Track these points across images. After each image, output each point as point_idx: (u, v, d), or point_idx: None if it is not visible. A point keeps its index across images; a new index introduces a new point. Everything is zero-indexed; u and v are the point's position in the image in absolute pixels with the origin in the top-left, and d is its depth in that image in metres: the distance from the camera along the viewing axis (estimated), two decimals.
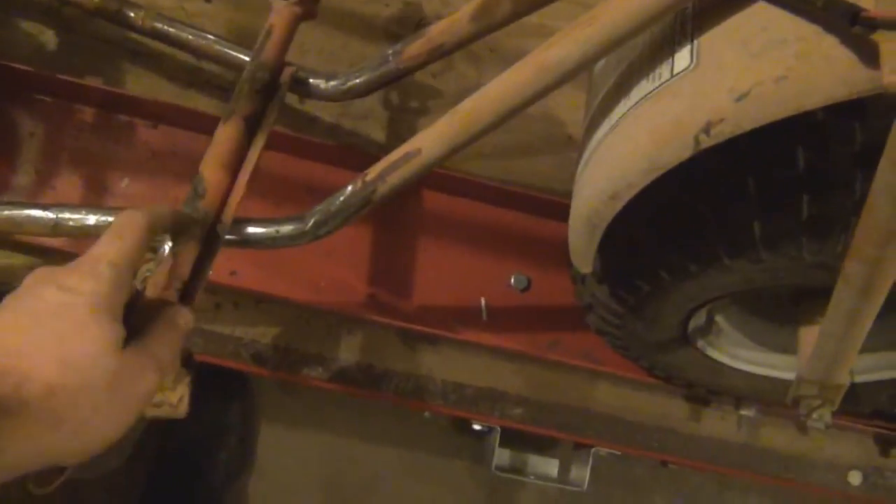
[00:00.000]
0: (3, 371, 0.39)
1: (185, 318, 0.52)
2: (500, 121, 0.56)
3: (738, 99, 0.45)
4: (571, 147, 1.03)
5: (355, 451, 1.40)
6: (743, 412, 0.94)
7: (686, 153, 0.49)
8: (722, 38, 0.48)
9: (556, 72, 0.52)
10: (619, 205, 0.55)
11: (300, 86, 0.80)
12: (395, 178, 0.63)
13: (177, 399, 0.81)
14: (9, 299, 0.44)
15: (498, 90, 0.55)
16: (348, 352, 0.95)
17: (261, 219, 0.72)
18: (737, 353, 0.83)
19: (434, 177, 0.95)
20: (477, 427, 1.02)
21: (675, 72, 0.50)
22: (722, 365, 0.84)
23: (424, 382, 0.96)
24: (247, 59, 0.80)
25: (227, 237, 0.69)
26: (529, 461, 1.04)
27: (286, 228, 0.71)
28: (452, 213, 0.99)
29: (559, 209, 0.97)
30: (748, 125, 0.45)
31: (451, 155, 0.60)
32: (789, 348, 0.83)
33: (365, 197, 0.65)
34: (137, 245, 0.49)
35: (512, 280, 0.98)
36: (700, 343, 0.81)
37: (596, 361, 0.96)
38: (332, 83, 0.78)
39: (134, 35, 0.89)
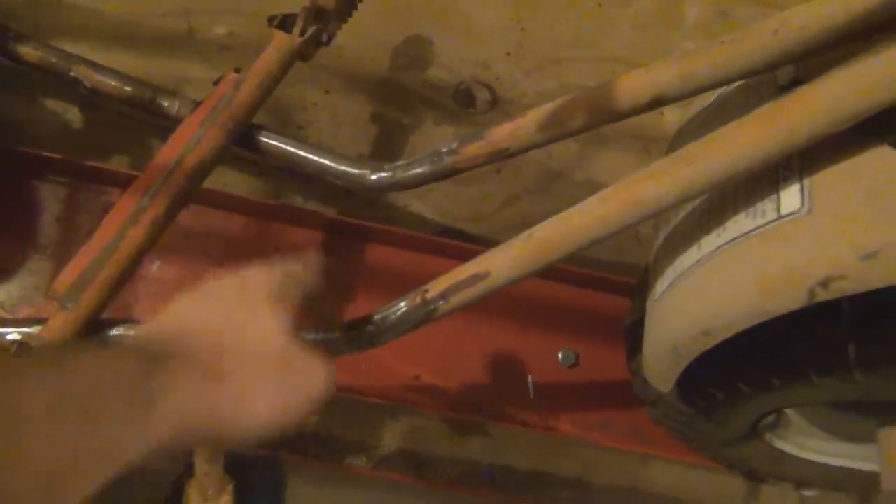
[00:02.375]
0: (172, 322, 0.41)
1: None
2: (579, 251, 0.52)
3: (865, 258, 0.41)
4: None
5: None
6: (805, 492, 0.90)
7: (797, 304, 0.45)
8: (839, 182, 0.44)
9: (648, 209, 0.48)
10: (712, 342, 0.51)
11: (340, 176, 0.76)
12: (458, 300, 0.59)
13: None
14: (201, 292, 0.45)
15: (581, 220, 0.51)
16: (392, 438, 0.91)
17: (315, 324, 0.68)
18: (805, 442, 0.80)
19: (476, 252, 0.91)
20: None
21: (782, 212, 0.46)
22: (789, 455, 0.80)
23: (472, 468, 0.92)
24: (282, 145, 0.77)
25: None
26: None
27: (336, 338, 0.67)
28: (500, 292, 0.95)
29: (605, 283, 0.94)
30: (875, 285, 0.42)
31: (521, 280, 0.56)
32: (859, 437, 0.79)
33: (425, 315, 0.62)
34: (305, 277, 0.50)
35: (560, 356, 0.94)
36: (768, 436, 0.77)
37: (648, 443, 0.92)
38: (380, 175, 0.74)
39: None
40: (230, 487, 0.76)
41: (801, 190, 0.45)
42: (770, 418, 0.73)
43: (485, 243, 0.96)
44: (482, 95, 1.00)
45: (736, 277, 0.48)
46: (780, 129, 0.42)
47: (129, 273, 0.67)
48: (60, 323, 0.64)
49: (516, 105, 1.00)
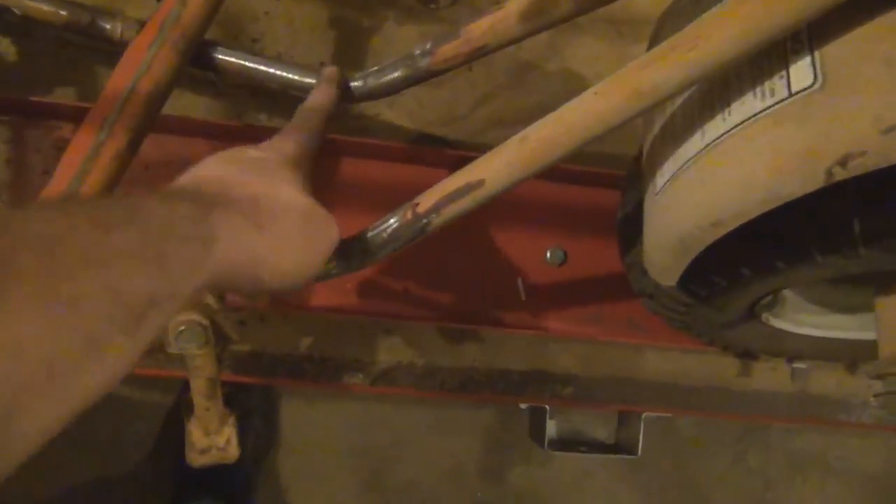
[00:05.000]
0: (211, 178, 0.45)
1: None
2: (577, 150, 0.49)
3: (887, 131, 0.39)
4: None
5: (379, 416, 1.37)
6: (796, 365, 0.92)
7: (814, 185, 0.43)
8: (854, 52, 0.41)
9: (649, 98, 0.45)
10: (723, 231, 0.50)
11: (308, 90, 0.71)
12: (451, 211, 0.56)
13: (224, 441, 0.77)
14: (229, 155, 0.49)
15: (577, 117, 0.48)
16: (388, 353, 0.90)
17: None
18: (801, 318, 0.80)
19: (455, 157, 0.88)
20: (523, 406, 0.98)
21: (793, 89, 0.43)
22: (785, 332, 0.80)
23: (470, 374, 0.91)
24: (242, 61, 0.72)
25: None
26: (580, 435, 1.02)
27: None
28: None
29: (589, 176, 0.91)
30: None
31: (517, 185, 0.53)
32: (853, 307, 0.79)
33: (417, 230, 0.59)
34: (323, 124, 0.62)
35: (548, 255, 0.93)
36: (765, 316, 0.77)
37: (642, 331, 0.92)
38: (354, 85, 0.69)
39: None
40: (232, 419, 0.75)
41: (813, 63, 0.42)
42: (767, 299, 0.73)
43: (461, 147, 0.93)
44: None
45: (747, 163, 0.45)
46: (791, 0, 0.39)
47: None
48: None
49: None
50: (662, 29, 0.59)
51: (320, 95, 0.66)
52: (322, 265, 0.49)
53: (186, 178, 0.46)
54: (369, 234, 0.62)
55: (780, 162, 0.43)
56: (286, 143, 0.54)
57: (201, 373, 0.71)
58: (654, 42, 0.61)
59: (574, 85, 0.96)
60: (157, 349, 0.87)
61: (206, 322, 0.67)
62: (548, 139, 0.49)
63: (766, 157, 0.44)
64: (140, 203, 0.36)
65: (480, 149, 0.94)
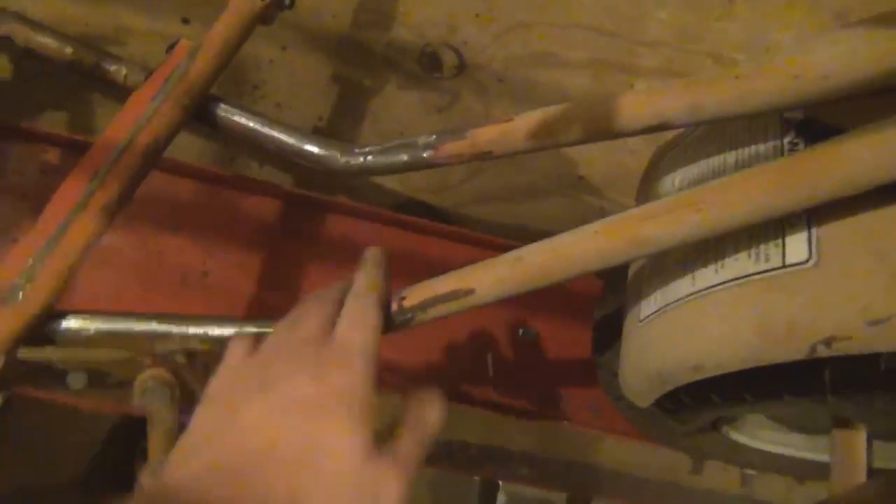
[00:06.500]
0: (253, 476, 0.35)
1: (436, 412, 0.45)
2: (568, 280, 0.50)
3: (872, 324, 0.40)
4: (582, 189, 0.97)
5: None
6: (748, 470, 0.94)
7: (796, 356, 0.44)
8: (849, 239, 0.43)
9: (648, 248, 0.46)
10: (701, 376, 0.51)
11: (306, 158, 0.71)
12: (438, 311, 0.57)
13: None
14: (256, 382, 0.40)
15: (574, 251, 0.49)
16: None
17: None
18: (758, 433, 0.82)
19: (435, 228, 0.89)
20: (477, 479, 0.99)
21: (787, 261, 0.45)
22: (742, 445, 0.82)
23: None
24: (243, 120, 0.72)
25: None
26: None
27: None
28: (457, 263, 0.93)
29: None
30: (881, 349, 0.41)
31: (502, 299, 0.54)
32: (809, 428, 0.81)
33: (401, 322, 0.59)
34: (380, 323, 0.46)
35: (520, 332, 0.94)
36: (725, 429, 0.79)
37: (605, 420, 0.93)
38: (349, 160, 0.70)
39: None
40: None
41: (809, 240, 0.44)
42: (730, 416, 0.75)
43: (447, 217, 0.93)
44: (449, 60, 0.95)
45: (734, 320, 0.47)
46: (800, 186, 0.40)
47: (77, 264, 0.62)
48: (3, 319, 0.59)
49: (484, 72, 0.95)
50: (655, 171, 0.60)
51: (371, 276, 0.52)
52: None
53: (222, 457, 0.36)
54: None
55: (766, 328, 0.44)
56: (350, 365, 0.41)
57: (161, 427, 0.70)
58: (649, 170, 0.62)
59: (563, 168, 0.97)
60: (115, 385, 0.86)
61: (174, 382, 0.66)
62: (542, 265, 0.50)
63: (753, 321, 0.45)
64: None
65: (464, 221, 0.95)
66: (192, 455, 0.37)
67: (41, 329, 0.61)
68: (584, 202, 0.98)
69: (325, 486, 0.36)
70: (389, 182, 0.94)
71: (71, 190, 0.63)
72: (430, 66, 0.95)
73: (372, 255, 0.54)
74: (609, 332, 0.72)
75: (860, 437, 0.71)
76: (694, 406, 0.65)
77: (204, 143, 0.89)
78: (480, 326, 0.93)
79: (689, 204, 0.44)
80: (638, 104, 0.49)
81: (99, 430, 1.15)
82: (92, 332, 0.62)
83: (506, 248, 0.53)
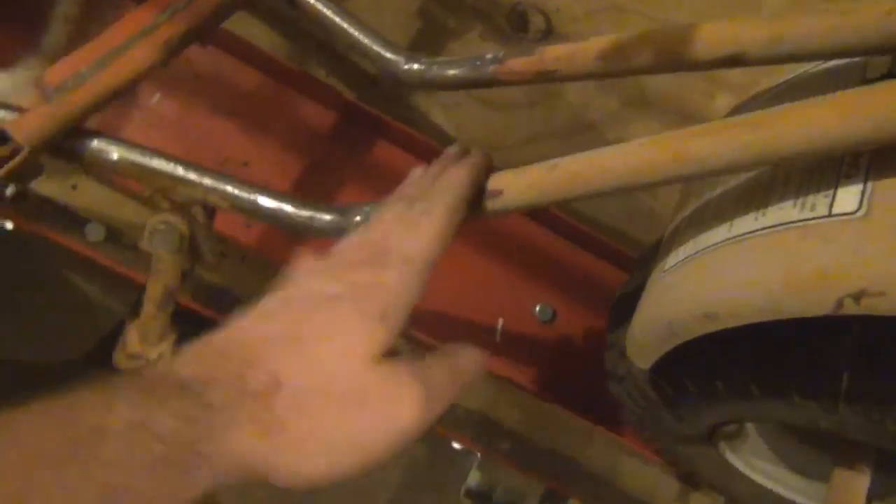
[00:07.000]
0: (232, 350, 0.34)
1: (474, 363, 0.42)
2: (605, 194, 0.48)
3: None
4: None
5: None
6: None
7: (820, 311, 0.41)
8: None
9: (693, 167, 0.44)
10: (713, 328, 0.48)
11: (373, 57, 0.71)
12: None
13: (156, 355, 0.74)
14: (291, 280, 0.39)
15: (614, 161, 0.47)
16: None
17: (300, 199, 0.63)
18: (755, 462, 0.77)
19: None
20: (456, 446, 0.96)
21: (834, 211, 0.42)
22: (736, 470, 0.78)
23: None
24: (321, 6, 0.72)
25: (255, 210, 0.62)
26: (499, 494, 0.99)
27: (323, 218, 0.63)
28: (493, 225, 0.91)
29: (605, 248, 0.90)
30: None
31: (533, 208, 0.52)
32: (809, 472, 0.77)
33: None
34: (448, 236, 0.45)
35: (537, 309, 0.91)
36: (721, 445, 0.75)
37: (598, 416, 0.90)
38: (413, 66, 0.69)
39: None
40: (172, 338, 0.73)
41: (863, 192, 0.41)
42: (730, 428, 0.71)
43: None
44: (537, 22, 0.94)
45: (762, 266, 0.44)
46: (868, 118, 0.38)
47: (124, 87, 0.62)
48: (39, 115, 0.59)
49: (569, 41, 0.94)
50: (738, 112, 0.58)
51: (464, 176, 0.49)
52: (381, 456, 0.35)
53: (194, 352, 0.35)
54: (374, 206, 0.61)
55: (793, 275, 0.42)
56: (390, 275, 0.39)
57: (162, 278, 0.69)
58: None
59: None
60: (130, 247, 0.86)
61: (185, 232, 0.65)
62: (577, 174, 0.48)
63: (782, 267, 0.42)
64: (105, 419, 0.29)
65: None
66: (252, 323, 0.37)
67: (70, 142, 0.61)
68: (636, 198, 0.96)
69: (314, 374, 0.34)
70: (446, 126, 0.93)
71: (141, 15, 0.63)
72: (517, 24, 0.95)
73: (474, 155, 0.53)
74: (626, 308, 0.70)
75: (861, 481, 0.67)
76: (697, 394, 0.62)
77: (278, 39, 0.89)
78: (499, 292, 0.91)
79: (744, 124, 0.41)
80: (716, 32, 0.47)
81: (111, 321, 1.15)
82: (115, 157, 0.61)
83: None
